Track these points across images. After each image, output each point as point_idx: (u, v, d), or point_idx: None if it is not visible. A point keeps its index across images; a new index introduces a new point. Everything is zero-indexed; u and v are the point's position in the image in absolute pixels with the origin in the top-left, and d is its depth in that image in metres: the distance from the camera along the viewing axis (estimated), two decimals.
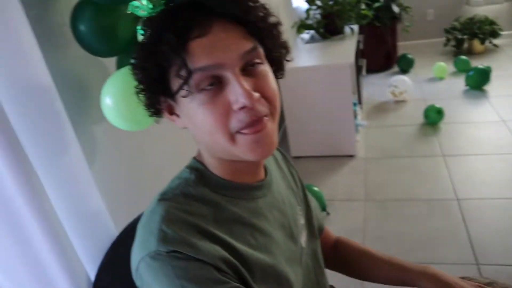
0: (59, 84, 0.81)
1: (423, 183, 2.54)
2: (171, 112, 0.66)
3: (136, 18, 0.93)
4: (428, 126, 3.21)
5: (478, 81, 3.72)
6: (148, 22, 0.62)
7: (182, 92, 0.59)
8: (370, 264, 0.94)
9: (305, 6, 3.47)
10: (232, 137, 0.61)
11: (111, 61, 1.03)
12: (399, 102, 3.72)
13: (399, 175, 2.66)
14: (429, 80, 4.20)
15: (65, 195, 0.81)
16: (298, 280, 0.77)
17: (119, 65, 1.01)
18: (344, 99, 2.78)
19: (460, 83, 3.90)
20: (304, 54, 3.15)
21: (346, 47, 3.10)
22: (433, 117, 3.16)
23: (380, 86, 4.09)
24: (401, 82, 3.69)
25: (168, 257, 0.57)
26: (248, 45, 0.60)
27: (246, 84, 0.58)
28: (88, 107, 1.06)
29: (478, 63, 3.99)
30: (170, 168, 1.33)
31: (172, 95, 0.62)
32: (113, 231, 0.94)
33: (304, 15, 3.46)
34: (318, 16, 3.40)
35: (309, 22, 3.42)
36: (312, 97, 2.82)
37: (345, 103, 2.79)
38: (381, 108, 3.72)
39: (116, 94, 0.88)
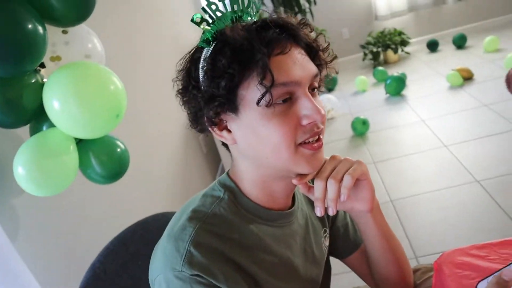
0: None
1: None
2: (221, 128, 0.68)
3: (40, 86, 0.95)
4: (357, 137, 3.40)
5: (396, 88, 4.00)
6: (220, 35, 0.63)
7: (262, 102, 0.61)
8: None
9: None
10: (295, 148, 0.65)
11: (25, 129, 1.02)
12: (328, 120, 3.91)
13: None
14: (353, 94, 4.46)
15: None
16: None
17: (33, 132, 1.02)
18: None
19: (381, 92, 4.18)
20: None
21: None
22: (360, 128, 3.36)
23: None
24: (327, 101, 3.90)
25: (190, 279, 0.62)
26: (314, 69, 0.67)
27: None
28: (3, 179, 1.02)
29: (394, 71, 4.30)
30: (97, 228, 1.32)
31: (235, 108, 0.63)
32: None
33: None
34: None
35: None
36: None
37: None
38: None
39: (27, 161, 0.91)
